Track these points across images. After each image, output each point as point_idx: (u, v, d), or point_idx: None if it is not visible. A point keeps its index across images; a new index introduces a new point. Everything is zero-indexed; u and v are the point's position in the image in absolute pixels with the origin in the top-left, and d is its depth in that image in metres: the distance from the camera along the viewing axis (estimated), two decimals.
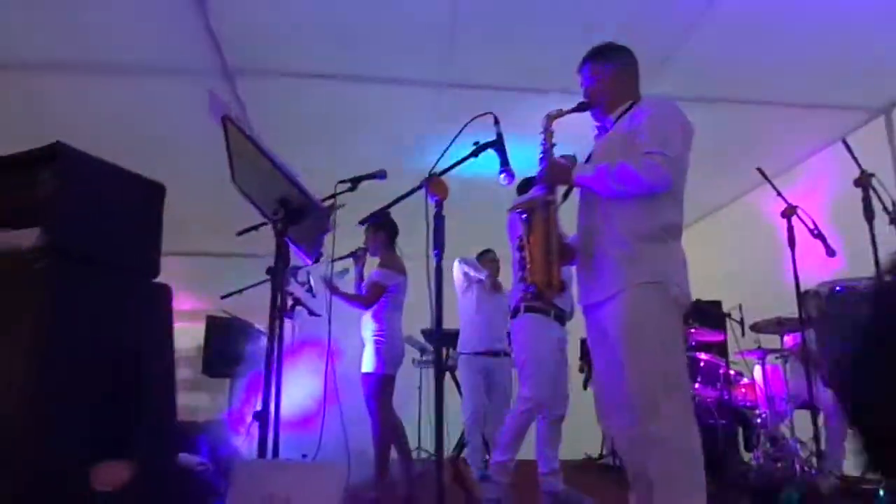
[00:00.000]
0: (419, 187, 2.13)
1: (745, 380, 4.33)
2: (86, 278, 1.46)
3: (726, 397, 4.14)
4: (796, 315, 3.97)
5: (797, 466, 3.59)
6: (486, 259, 4.54)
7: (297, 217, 1.96)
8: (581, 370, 5.36)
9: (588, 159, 2.17)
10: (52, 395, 1.33)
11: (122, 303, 1.52)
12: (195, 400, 5.70)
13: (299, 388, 3.28)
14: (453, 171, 2.17)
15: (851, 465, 3.75)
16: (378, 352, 3.64)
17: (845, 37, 3.68)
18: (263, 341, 4.65)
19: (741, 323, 4.23)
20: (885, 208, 2.98)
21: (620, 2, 3.44)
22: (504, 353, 4.51)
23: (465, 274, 4.41)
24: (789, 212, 3.34)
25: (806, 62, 3.90)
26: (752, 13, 3.54)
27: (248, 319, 4.61)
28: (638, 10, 3.48)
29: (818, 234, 3.30)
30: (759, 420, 4.09)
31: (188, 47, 3.82)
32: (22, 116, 4.13)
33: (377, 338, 3.66)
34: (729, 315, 4.30)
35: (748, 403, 4.24)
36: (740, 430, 4.28)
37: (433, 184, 2.08)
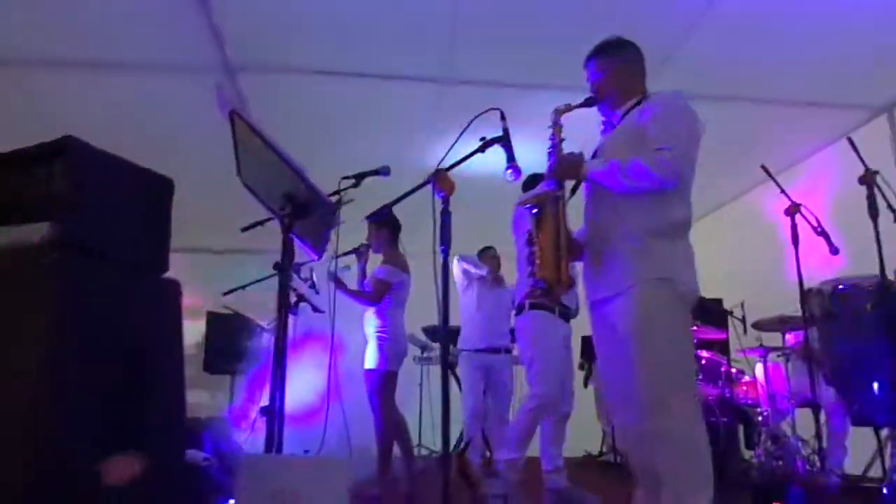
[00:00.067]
0: (426, 183, 2.12)
1: (747, 378, 4.34)
2: (95, 273, 1.45)
3: (728, 395, 4.15)
4: (799, 313, 4.00)
5: (799, 464, 3.59)
6: (487, 256, 4.55)
7: (303, 212, 1.95)
8: (581, 367, 5.37)
9: (594, 155, 2.17)
10: (62, 389, 1.33)
11: (131, 298, 1.51)
12: (195, 397, 5.68)
13: (302, 384, 3.28)
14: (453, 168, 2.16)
15: (852, 464, 3.77)
16: (381, 348, 3.64)
17: (847, 35, 3.68)
18: (265, 338, 4.68)
19: (743, 321, 4.23)
20: (889, 206, 2.98)
21: None
22: (505, 350, 4.52)
23: (465, 272, 4.41)
24: (793, 209, 3.34)
25: (808, 60, 3.90)
26: (753, 11, 3.54)
27: (250, 316, 4.59)
28: (640, 7, 3.48)
29: (822, 232, 3.30)
30: (760, 418, 4.10)
31: (190, 44, 3.81)
32: (23, 114, 4.12)
33: (380, 334, 3.66)
34: (731, 313, 4.31)
35: (749, 401, 4.25)
36: (741, 428, 4.29)
37: (440, 179, 2.07)
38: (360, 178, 2.74)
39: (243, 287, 3.90)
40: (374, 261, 3.95)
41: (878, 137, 4.21)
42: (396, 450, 3.76)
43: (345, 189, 2.63)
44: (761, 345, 4.17)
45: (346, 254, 3.63)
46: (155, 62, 3.97)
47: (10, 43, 3.70)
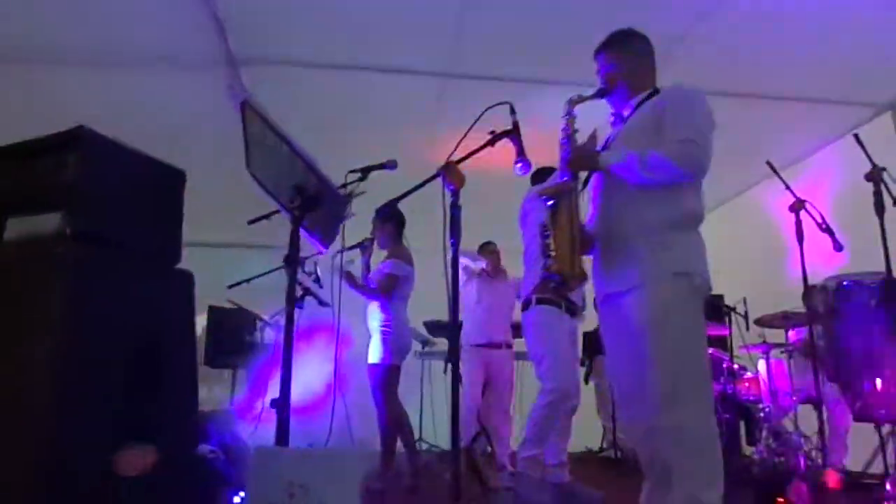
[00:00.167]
0: (436, 176, 2.12)
1: (749, 374, 4.34)
2: (108, 264, 1.45)
3: (730, 391, 4.16)
4: (802, 310, 4.01)
5: (800, 461, 3.60)
6: (487, 251, 4.56)
7: (314, 204, 1.94)
8: (582, 364, 5.38)
9: (605, 146, 2.16)
10: (74, 380, 1.32)
11: (144, 288, 1.51)
12: None
13: (305, 377, 3.28)
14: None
15: (853, 460, 3.79)
16: (385, 342, 3.65)
17: (852, 32, 3.68)
18: (268, 331, 4.67)
19: (745, 317, 4.24)
20: (895, 202, 2.98)
21: None
22: (506, 346, 4.53)
23: (464, 267, 4.41)
24: (798, 206, 3.34)
25: (812, 57, 3.90)
26: (758, 8, 3.53)
27: (252, 310, 4.58)
28: (645, 2, 3.47)
29: (826, 229, 3.30)
30: (761, 414, 4.11)
31: (193, 36, 3.78)
32: (24, 109, 4.10)
33: (384, 328, 3.67)
34: (734, 309, 4.31)
35: (751, 398, 4.26)
36: (742, 425, 4.30)
37: (450, 172, 2.06)
38: (366, 171, 2.72)
39: (248, 280, 3.89)
40: (378, 255, 3.94)
41: (882, 134, 4.21)
42: (399, 444, 3.77)
43: (351, 182, 2.63)
44: (764, 341, 4.18)
45: (350, 248, 3.63)
46: (157, 55, 3.94)
47: (12, 38, 3.68)
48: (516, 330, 5.10)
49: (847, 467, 3.72)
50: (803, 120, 4.62)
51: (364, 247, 3.78)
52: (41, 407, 1.29)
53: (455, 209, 2.06)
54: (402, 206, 2.91)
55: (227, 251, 5.75)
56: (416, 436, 4.90)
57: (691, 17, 3.58)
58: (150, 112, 4.33)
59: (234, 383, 4.83)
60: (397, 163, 2.74)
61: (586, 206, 2.19)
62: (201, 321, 5.08)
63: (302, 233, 2.09)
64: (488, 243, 4.59)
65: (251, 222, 2.88)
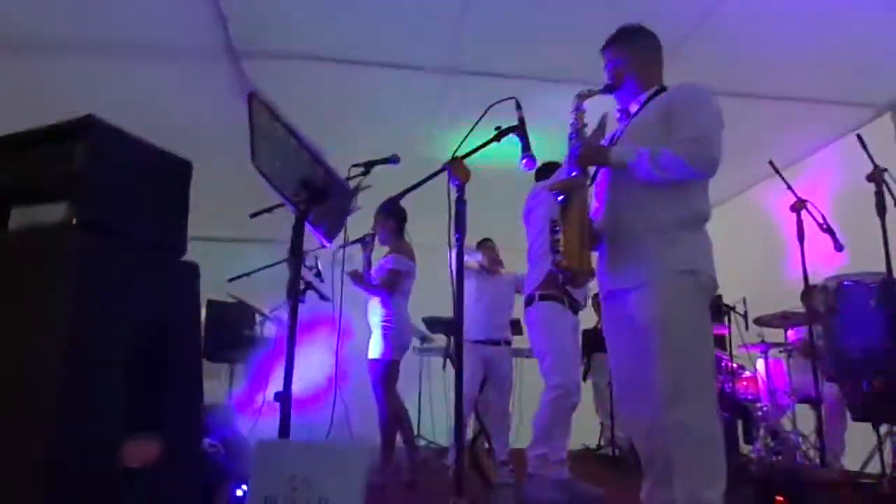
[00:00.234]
0: (441, 171, 2.11)
1: (748, 373, 4.36)
2: (115, 254, 1.44)
3: (728, 390, 4.17)
4: (801, 309, 4.02)
5: (798, 459, 3.62)
6: (485, 247, 4.56)
7: (320, 198, 1.93)
8: (581, 361, 5.38)
9: (611, 142, 2.16)
10: (81, 372, 1.31)
11: (150, 280, 1.50)
12: None
13: (307, 371, 3.28)
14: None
15: (850, 460, 3.81)
16: (386, 337, 3.65)
17: (853, 33, 3.69)
18: (268, 326, 4.67)
19: (745, 316, 4.25)
20: None
21: None
22: (505, 342, 4.53)
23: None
24: (799, 206, 3.35)
25: (813, 57, 3.91)
26: (758, 8, 3.54)
27: (253, 304, 4.57)
28: (647, 2, 3.48)
29: (827, 229, 3.31)
30: (759, 413, 4.13)
31: (194, 27, 3.77)
32: (22, 97, 4.07)
33: (385, 324, 3.67)
34: (733, 308, 4.32)
35: (749, 397, 4.27)
36: (740, 423, 4.31)
37: (455, 167, 2.06)
38: (369, 166, 2.72)
39: (248, 274, 3.89)
40: (378, 251, 3.94)
41: (882, 135, 4.22)
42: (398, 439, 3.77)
43: (355, 177, 2.62)
44: (763, 340, 4.20)
45: (352, 243, 3.63)
46: (158, 47, 3.93)
47: (10, 25, 3.65)
48: (515, 327, 5.12)
49: (844, 466, 3.73)
50: (803, 120, 4.64)
51: (365, 242, 3.77)
52: (47, 399, 1.28)
53: (460, 204, 2.06)
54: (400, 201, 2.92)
55: (227, 245, 5.74)
56: (415, 432, 4.91)
57: (692, 17, 3.58)
58: (149, 104, 4.31)
59: (232, 377, 4.82)
60: (400, 157, 2.74)
61: (590, 202, 2.18)
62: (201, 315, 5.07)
63: (306, 226, 2.08)
64: (486, 240, 4.59)
65: (253, 216, 2.87)
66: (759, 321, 4.16)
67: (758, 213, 5.20)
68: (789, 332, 4.06)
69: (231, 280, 3.96)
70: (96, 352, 1.36)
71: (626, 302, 2.00)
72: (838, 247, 3.28)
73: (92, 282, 1.39)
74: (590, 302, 3.79)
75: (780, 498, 2.83)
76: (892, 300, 2.96)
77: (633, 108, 2.16)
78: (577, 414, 3.64)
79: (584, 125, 2.11)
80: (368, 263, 3.83)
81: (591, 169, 2.14)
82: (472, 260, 4.37)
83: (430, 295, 4.21)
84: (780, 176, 3.39)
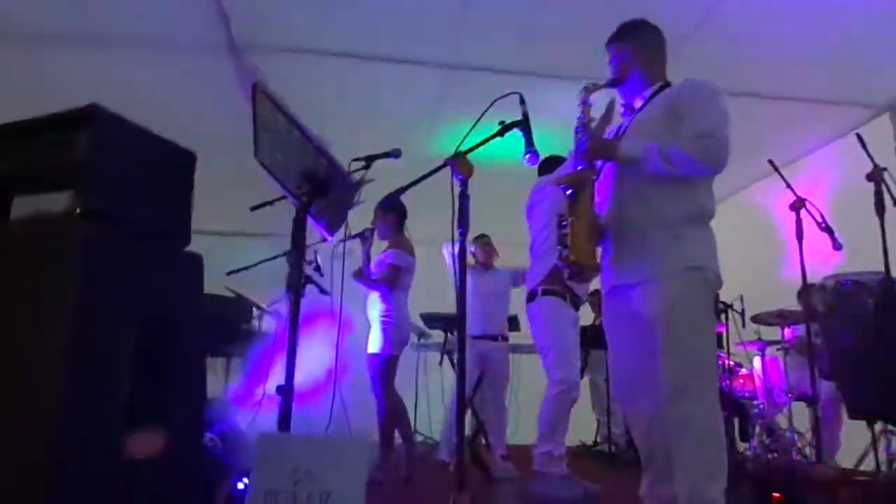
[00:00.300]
0: (444, 165, 2.10)
1: (744, 371, 4.38)
2: (119, 244, 1.42)
3: (725, 388, 4.19)
4: (798, 308, 4.04)
5: (794, 456, 3.64)
6: (481, 243, 4.55)
7: (323, 191, 1.92)
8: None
9: (615, 137, 2.15)
10: (86, 364, 1.30)
11: (155, 271, 1.49)
12: None
13: (306, 365, 3.27)
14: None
15: (845, 457, 3.83)
16: (385, 332, 3.65)
17: (852, 33, 3.71)
18: (265, 319, 4.65)
19: (742, 314, 4.26)
20: (895, 202, 3.01)
21: None
22: (502, 338, 4.53)
23: (454, 255, 4.39)
24: (798, 205, 3.35)
25: (811, 58, 3.93)
26: (758, 8, 3.55)
27: (250, 298, 4.55)
28: (648, 2, 3.48)
29: (826, 228, 3.32)
30: (756, 411, 4.15)
31: (196, 21, 3.75)
32: (22, 90, 4.04)
33: (385, 319, 3.67)
34: (731, 306, 4.34)
35: (746, 394, 4.29)
36: (736, 421, 4.33)
37: (459, 162, 2.05)
38: (370, 160, 2.70)
39: (247, 268, 3.87)
40: (377, 246, 3.94)
41: (880, 136, 4.24)
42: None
43: (355, 171, 2.61)
44: (760, 338, 4.21)
45: (351, 238, 3.62)
46: (158, 40, 3.91)
47: (11, 18, 3.62)
48: (513, 323, 5.13)
49: (839, 464, 3.75)
50: (802, 120, 4.65)
51: (364, 237, 3.76)
52: (50, 393, 1.27)
53: (463, 199, 2.05)
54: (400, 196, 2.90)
55: (224, 239, 5.72)
56: (412, 427, 4.91)
57: (692, 16, 3.58)
58: (148, 96, 4.27)
59: (227, 372, 4.80)
60: (401, 151, 2.73)
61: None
62: None
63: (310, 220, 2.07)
64: (482, 236, 4.59)
65: (254, 209, 2.86)
66: (757, 319, 4.17)
67: (755, 212, 5.22)
68: (786, 331, 4.08)
69: (230, 273, 3.95)
70: (100, 344, 1.35)
71: (630, 297, 2.00)
72: (837, 246, 3.30)
73: (95, 272, 1.38)
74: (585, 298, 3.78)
75: (776, 495, 2.85)
76: (890, 299, 2.97)
77: (638, 103, 2.15)
78: (573, 410, 3.64)
79: (591, 119, 2.10)
80: (368, 258, 3.83)
81: (598, 163, 2.13)
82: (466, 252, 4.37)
83: (426, 290, 4.22)
84: (780, 175, 3.40)
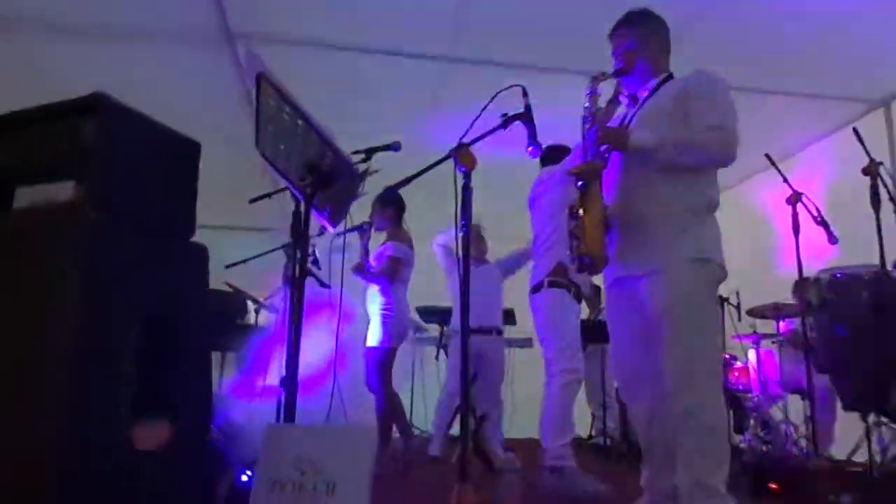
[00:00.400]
0: (447, 157, 2.10)
1: (739, 364, 4.41)
2: (124, 234, 1.41)
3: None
4: (793, 301, 4.07)
5: (789, 449, 3.67)
6: (473, 233, 4.53)
7: (327, 182, 1.92)
8: None
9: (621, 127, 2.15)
10: (93, 354, 1.29)
11: (160, 261, 1.48)
12: None
13: (304, 356, 3.26)
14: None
15: (838, 449, 3.87)
16: (385, 325, 3.65)
17: (847, 29, 3.73)
18: (263, 314, 4.63)
19: (738, 308, 4.29)
20: (890, 198, 3.03)
21: None
22: (496, 331, 4.53)
23: (442, 247, 4.40)
24: (794, 198, 3.37)
25: (806, 53, 3.95)
26: (753, 4, 3.56)
27: (246, 292, 4.53)
28: None
29: (822, 221, 3.34)
30: (750, 403, 4.18)
31: (191, 11, 3.71)
32: (17, 79, 4.00)
33: (385, 312, 3.67)
34: (726, 300, 4.36)
35: (741, 387, 4.32)
36: (731, 414, 4.36)
37: (461, 154, 2.05)
38: (370, 152, 2.70)
39: (245, 261, 3.86)
40: (375, 239, 3.93)
41: (874, 131, 4.26)
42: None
43: (356, 163, 2.60)
44: (755, 331, 4.24)
45: (349, 230, 3.61)
46: (151, 28, 3.87)
47: (7, 7, 3.58)
48: (508, 317, 5.13)
49: (832, 456, 3.79)
50: (795, 115, 4.68)
51: (363, 230, 3.76)
52: (56, 387, 1.26)
53: (466, 191, 2.05)
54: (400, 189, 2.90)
55: (223, 233, 5.69)
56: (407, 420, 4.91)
57: (688, 11, 3.59)
58: (143, 88, 4.21)
59: (222, 366, 4.78)
60: (401, 145, 2.72)
61: None
62: None
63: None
64: (474, 226, 4.58)
65: (252, 201, 2.84)
66: (752, 312, 4.20)
67: (751, 206, 5.25)
68: (780, 324, 4.11)
69: (228, 267, 3.93)
70: (104, 337, 1.34)
71: (635, 289, 2.00)
72: (832, 239, 3.32)
73: (100, 264, 1.37)
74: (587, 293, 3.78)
75: (773, 486, 2.88)
76: (885, 292, 3.00)
77: (642, 94, 2.14)
78: None
79: (599, 108, 2.10)
80: (366, 251, 3.83)
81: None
82: (451, 239, 4.36)
83: (424, 285, 4.22)
84: (777, 169, 3.42)
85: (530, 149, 2.16)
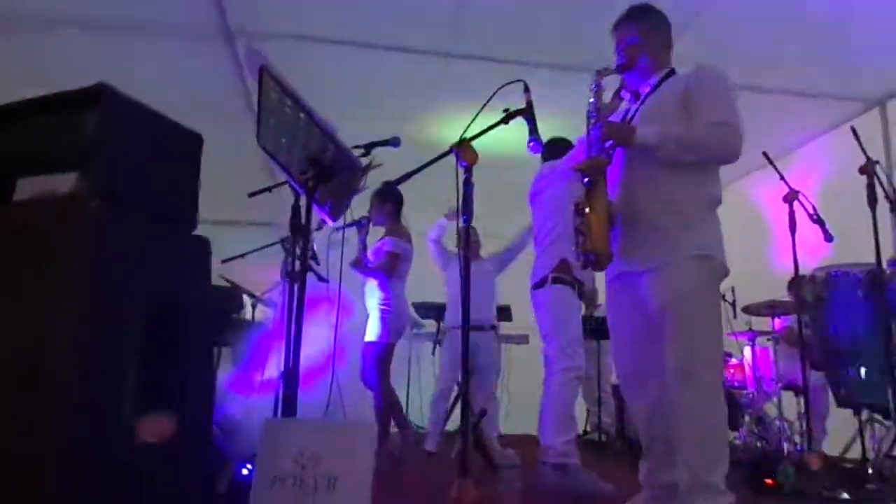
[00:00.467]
0: (448, 153, 2.10)
1: (734, 360, 4.44)
2: (128, 226, 1.41)
3: None
4: (788, 298, 4.10)
5: (783, 444, 3.70)
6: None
7: (328, 176, 1.91)
8: None
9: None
10: (98, 347, 1.29)
11: (163, 253, 1.47)
12: None
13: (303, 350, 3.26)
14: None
15: (832, 445, 3.91)
16: (384, 320, 3.66)
17: (843, 28, 3.74)
18: (259, 309, 4.62)
19: (733, 305, 4.31)
20: (886, 195, 3.05)
21: None
22: (490, 327, 4.53)
23: (436, 242, 4.40)
24: (791, 197, 3.39)
25: (803, 52, 3.96)
26: (750, 3, 3.58)
27: (243, 286, 4.52)
28: None
29: (818, 219, 3.36)
30: (745, 400, 4.21)
31: (189, 5, 3.69)
32: (12, 74, 3.97)
33: (384, 307, 3.68)
34: (723, 297, 4.38)
35: (736, 384, 4.35)
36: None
37: (463, 149, 2.05)
38: (369, 147, 2.69)
39: (243, 255, 3.85)
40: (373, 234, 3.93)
41: (870, 130, 4.29)
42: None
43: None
44: (750, 328, 4.27)
45: (346, 226, 3.60)
46: (151, 24, 3.84)
47: (4, 2, 3.55)
48: (504, 313, 5.14)
49: (826, 452, 3.82)
50: (792, 113, 4.70)
51: (361, 225, 3.75)
52: (63, 376, 1.26)
53: (468, 186, 2.05)
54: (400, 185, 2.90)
55: (219, 228, 5.67)
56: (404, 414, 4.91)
57: (686, 9, 3.59)
58: (141, 82, 4.17)
59: (218, 361, 4.77)
60: (400, 140, 2.72)
61: None
62: None
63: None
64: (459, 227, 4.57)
65: (252, 195, 2.82)
66: (748, 310, 4.22)
67: (747, 204, 5.27)
68: (775, 321, 4.13)
69: (225, 261, 3.91)
70: (108, 331, 1.33)
71: (637, 285, 2.00)
72: (828, 237, 3.34)
73: (104, 256, 1.36)
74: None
75: (769, 481, 2.90)
76: (880, 290, 3.02)
77: (644, 89, 2.14)
78: None
79: (603, 104, 2.10)
80: (364, 246, 3.82)
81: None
82: (438, 226, 4.38)
83: (419, 280, 4.22)
84: (774, 167, 3.43)
85: (531, 144, 2.16)
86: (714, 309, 1.96)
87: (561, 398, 3.01)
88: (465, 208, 2.06)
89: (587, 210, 1.93)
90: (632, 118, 2.12)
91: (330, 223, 2.24)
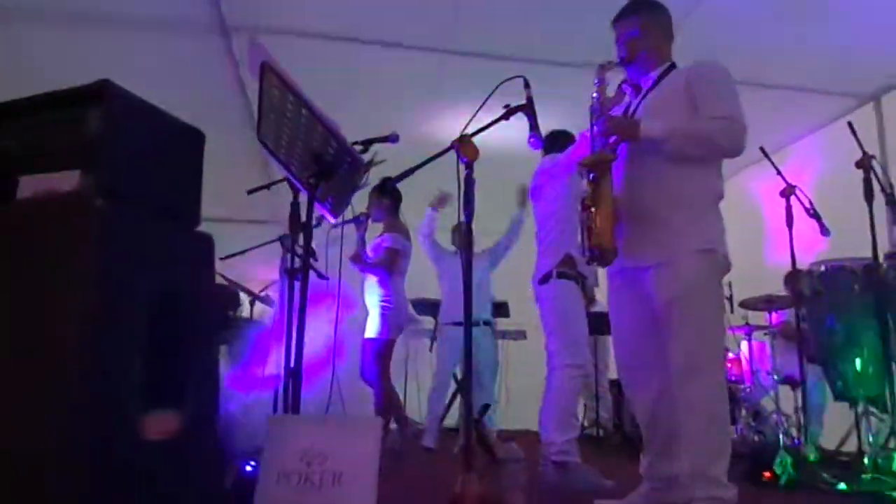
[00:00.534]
0: (449, 149, 2.10)
1: (731, 355, 4.46)
2: (131, 223, 1.40)
3: None
4: (784, 293, 4.13)
5: (780, 437, 3.72)
6: (458, 230, 4.55)
7: (330, 173, 1.91)
8: None
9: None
10: (103, 344, 1.28)
11: (167, 251, 1.47)
12: None
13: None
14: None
15: (828, 438, 3.93)
16: (384, 317, 3.66)
17: (838, 24, 3.76)
18: (257, 306, 4.61)
19: (730, 299, 4.33)
20: (883, 190, 3.07)
21: None
22: (485, 323, 4.53)
23: (429, 238, 4.38)
24: (788, 191, 3.41)
25: (798, 47, 3.98)
26: None
27: (241, 284, 4.51)
28: None
29: (814, 214, 3.38)
30: (742, 394, 4.23)
31: (185, 1, 3.68)
32: (5, 68, 3.93)
33: (384, 303, 3.68)
34: None
35: (733, 378, 4.37)
36: None
37: (464, 146, 2.05)
38: (368, 144, 2.69)
39: (242, 252, 3.84)
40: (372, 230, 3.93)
41: (864, 125, 4.30)
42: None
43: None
44: (747, 323, 4.29)
45: (345, 223, 3.60)
46: (146, 18, 3.82)
47: None
48: (501, 309, 5.15)
49: (822, 444, 3.85)
50: (787, 108, 4.71)
51: (360, 222, 3.75)
52: (68, 373, 1.25)
53: (469, 182, 2.06)
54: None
55: (218, 226, 5.64)
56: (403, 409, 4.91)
57: (683, 4, 3.59)
58: (136, 78, 4.17)
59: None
60: (399, 136, 2.71)
61: None
62: None
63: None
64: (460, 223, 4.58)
65: (251, 192, 2.82)
66: (745, 304, 4.24)
67: (743, 199, 5.29)
68: (773, 316, 4.16)
69: (223, 259, 3.90)
70: (113, 327, 1.33)
71: (641, 279, 2.01)
72: (825, 232, 3.36)
73: (108, 253, 1.35)
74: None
75: (767, 474, 2.92)
76: (876, 284, 3.04)
77: (646, 83, 2.15)
78: None
79: (607, 98, 2.10)
80: (363, 243, 3.82)
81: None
82: (428, 219, 4.38)
83: (416, 276, 4.22)
84: (771, 162, 3.44)
85: (531, 139, 2.16)
86: (719, 303, 1.98)
87: (562, 395, 2.99)
88: (467, 205, 2.06)
89: (592, 206, 1.93)
90: (634, 112, 2.12)
91: (331, 220, 2.23)
